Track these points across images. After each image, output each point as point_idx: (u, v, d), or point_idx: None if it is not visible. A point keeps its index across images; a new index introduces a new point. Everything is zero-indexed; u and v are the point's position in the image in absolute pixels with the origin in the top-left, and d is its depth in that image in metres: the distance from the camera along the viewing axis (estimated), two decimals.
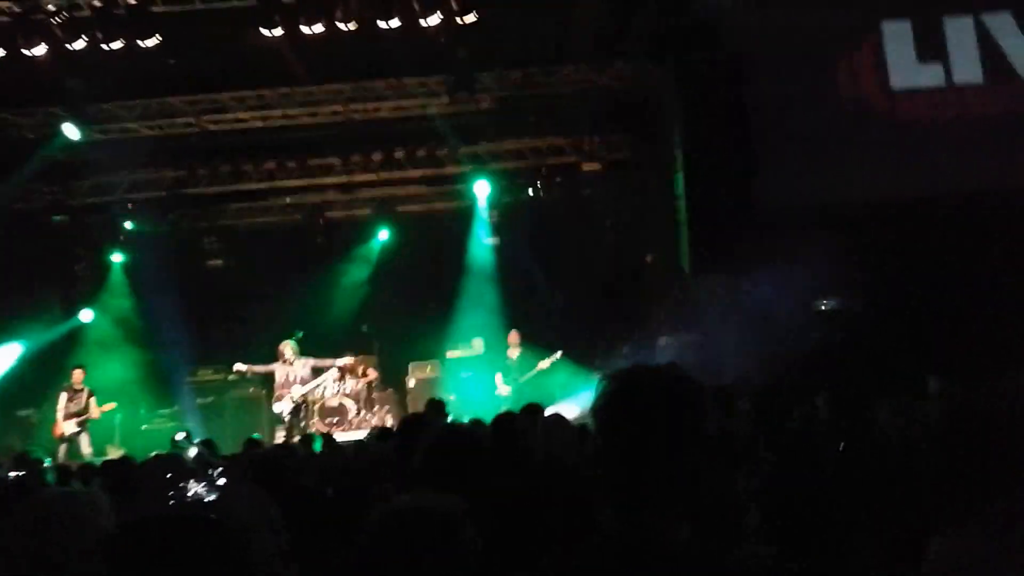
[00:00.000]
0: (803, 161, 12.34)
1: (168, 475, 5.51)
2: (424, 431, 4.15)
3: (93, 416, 13.28)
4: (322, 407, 14.24)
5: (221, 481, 4.25)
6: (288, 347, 14.28)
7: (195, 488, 4.32)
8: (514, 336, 14.29)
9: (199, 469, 5.86)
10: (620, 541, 1.88)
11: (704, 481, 1.91)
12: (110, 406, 13.49)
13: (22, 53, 10.80)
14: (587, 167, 15.63)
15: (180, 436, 13.20)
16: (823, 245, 11.10)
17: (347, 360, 14.64)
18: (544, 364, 13.92)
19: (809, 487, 4.58)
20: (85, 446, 13.16)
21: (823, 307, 11.76)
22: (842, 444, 4.91)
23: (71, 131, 12.84)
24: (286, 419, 14.15)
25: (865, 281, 11.44)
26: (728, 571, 1.93)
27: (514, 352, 14.21)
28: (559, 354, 13.98)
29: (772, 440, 5.31)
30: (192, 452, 9.71)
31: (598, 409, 1.98)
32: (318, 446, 8.89)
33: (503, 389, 14.06)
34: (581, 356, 14.35)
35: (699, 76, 12.20)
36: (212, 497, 3.90)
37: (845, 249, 11.08)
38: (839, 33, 12.69)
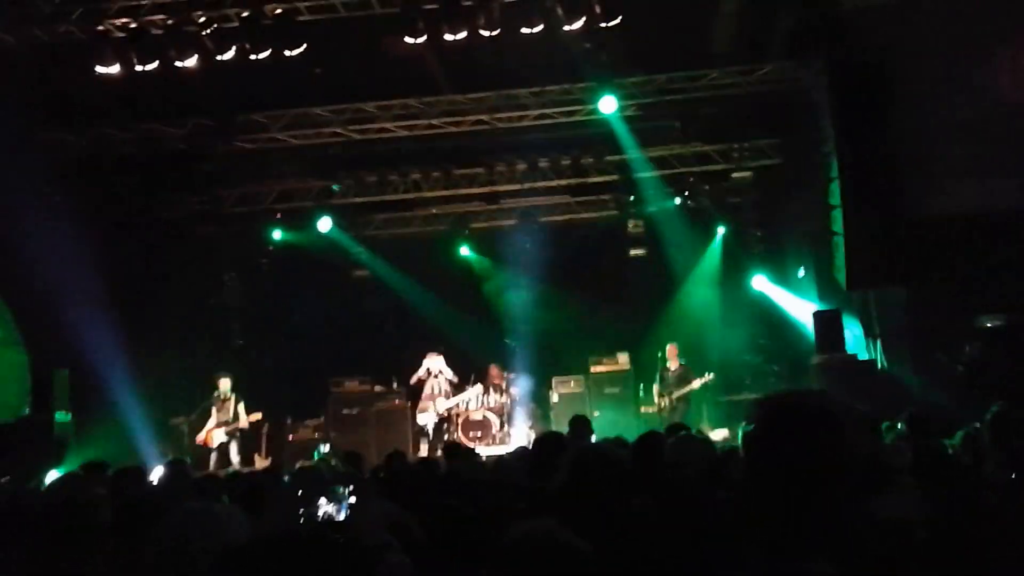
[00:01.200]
0: (963, 166, 11.54)
1: (300, 491, 5.53)
2: (562, 451, 3.96)
3: (242, 426, 13.65)
4: (466, 421, 14.34)
5: (352, 499, 4.19)
6: (433, 359, 14.42)
7: (325, 507, 4.27)
8: (672, 349, 13.92)
9: (335, 485, 5.87)
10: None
11: (850, 516, 1.91)
12: (256, 416, 13.80)
13: (175, 66, 11.19)
14: (737, 175, 15.10)
15: (324, 448, 13.49)
16: (986, 257, 10.40)
17: (492, 374, 14.67)
18: (696, 383, 13.50)
19: (972, 517, 4.20)
20: (234, 455, 13.54)
21: (987, 324, 10.90)
22: (1013, 472, 4.49)
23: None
24: (430, 432, 14.28)
25: None
26: None
27: (673, 365, 13.82)
28: (711, 376, 13.53)
29: (928, 466, 4.93)
30: (334, 463, 9.83)
31: (747, 436, 2.00)
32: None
33: (659, 402, 13.70)
34: (730, 377, 13.90)
35: (850, 75, 11.66)
36: (341, 516, 3.85)
37: (1009, 261, 10.32)
38: (1002, 27, 11.73)
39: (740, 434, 2.06)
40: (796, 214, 14.37)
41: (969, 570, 3.94)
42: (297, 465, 9.21)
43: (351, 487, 5.93)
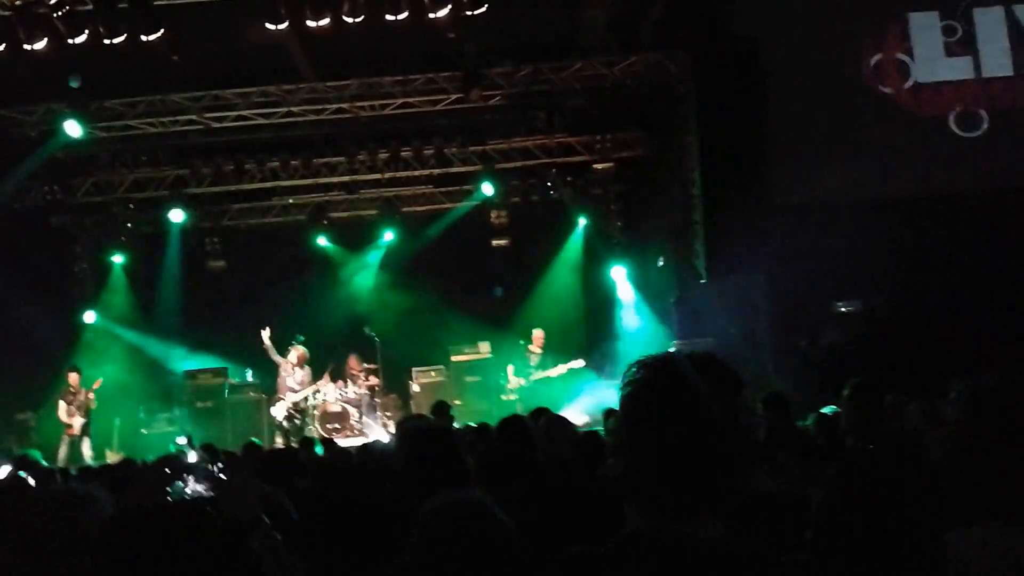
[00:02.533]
0: (824, 155, 12.31)
1: (168, 471, 5.52)
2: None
3: (88, 401, 13.43)
4: (323, 413, 14.26)
5: (222, 476, 4.27)
6: (298, 352, 14.31)
7: (194, 484, 4.33)
8: (539, 335, 14.36)
9: (200, 468, 5.85)
10: (647, 540, 1.77)
11: (739, 476, 1.81)
12: (98, 382, 13.61)
13: (23, 48, 10.83)
14: (599, 166, 15.65)
15: (182, 440, 13.30)
16: (843, 244, 11.02)
17: (351, 365, 14.71)
18: (562, 369, 13.97)
19: (844, 487, 4.60)
20: (86, 450, 13.26)
21: (842, 308, 11.73)
22: (870, 446, 4.92)
23: (72, 128, 12.92)
24: (284, 424, 14.19)
25: (886, 281, 11.41)
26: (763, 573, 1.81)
27: (536, 350, 14.26)
28: (581, 362, 14.02)
29: (781, 444, 5.32)
30: (193, 456, 9.74)
31: (627, 395, 1.85)
32: (319, 450, 8.94)
33: (514, 382, 14.10)
34: (594, 364, 14.40)
35: (715, 67, 12.16)
36: (211, 493, 3.92)
37: (865, 248, 11.03)
38: (864, 22, 12.62)
39: (618, 394, 1.91)
40: (658, 205, 14.96)
41: (844, 543, 4.31)
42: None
43: (219, 465, 5.93)
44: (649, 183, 15.36)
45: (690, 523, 1.76)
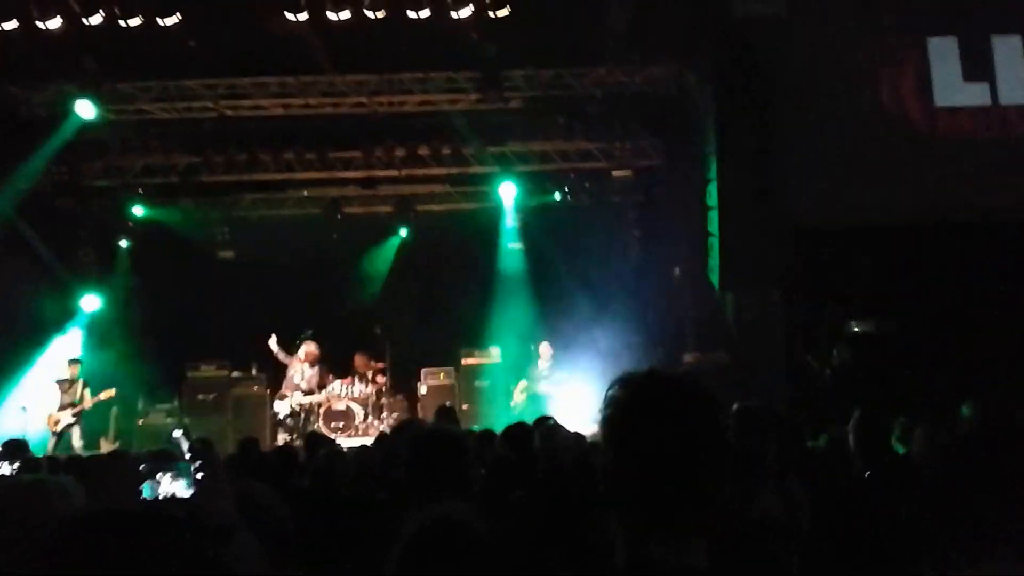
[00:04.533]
0: (841, 175, 12.30)
1: (143, 467, 5.43)
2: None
3: (86, 406, 13.27)
4: (328, 411, 14.20)
5: (199, 476, 4.17)
6: (308, 349, 14.23)
7: (169, 485, 4.23)
8: (546, 348, 14.28)
9: (181, 463, 5.78)
10: (633, 566, 1.76)
11: (723, 501, 1.80)
12: (109, 393, 13.42)
13: (36, 26, 10.85)
14: (617, 173, 15.58)
15: (177, 433, 13.24)
16: (859, 264, 10.99)
17: (358, 363, 14.66)
18: (564, 378, 13.91)
19: (837, 514, 4.52)
20: (76, 439, 13.14)
21: (856, 329, 11.64)
22: (867, 472, 4.86)
23: (85, 110, 12.92)
24: (287, 421, 14.14)
25: (901, 304, 11.35)
26: None
27: (544, 363, 14.20)
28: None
29: (799, 464, 5.25)
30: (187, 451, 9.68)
31: (607, 417, 1.84)
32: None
33: (519, 398, 14.04)
34: (603, 373, 14.28)
35: (735, 81, 12.19)
36: (187, 494, 3.83)
37: (882, 270, 11.00)
38: (883, 46, 12.66)
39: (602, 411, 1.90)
40: (674, 215, 14.88)
41: (840, 568, 4.24)
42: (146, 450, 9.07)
43: (199, 464, 5.83)
44: (666, 193, 15.30)
45: (677, 548, 1.74)
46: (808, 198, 12.27)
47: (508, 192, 15.41)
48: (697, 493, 1.76)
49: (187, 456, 8.17)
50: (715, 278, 12.87)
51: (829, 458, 5.96)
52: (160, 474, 4.88)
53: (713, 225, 12.65)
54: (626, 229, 16.35)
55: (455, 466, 3.52)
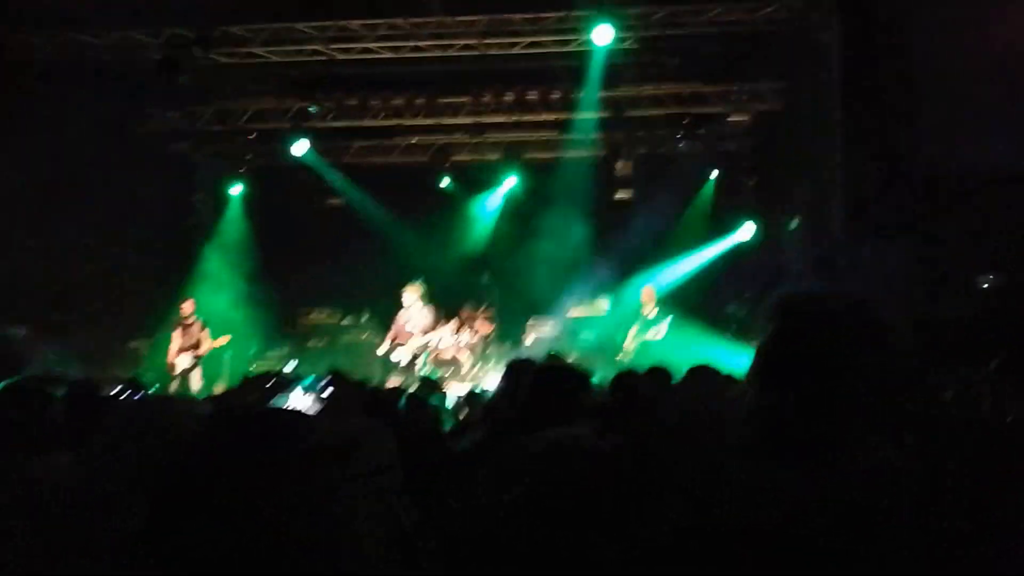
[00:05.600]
0: (976, 120, 11.54)
1: (272, 385, 5.48)
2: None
3: (204, 350, 13.62)
4: (436, 358, 14.29)
5: (325, 395, 4.14)
6: (412, 291, 14.26)
7: (296, 401, 4.22)
8: (649, 292, 13.96)
9: (303, 385, 5.79)
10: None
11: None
12: (224, 339, 13.62)
13: None
14: (734, 118, 15.02)
15: (291, 366, 13.46)
16: (992, 215, 10.44)
17: (465, 312, 14.67)
18: (662, 327, 13.58)
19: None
20: (195, 381, 13.43)
21: (987, 282, 11.02)
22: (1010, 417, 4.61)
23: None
24: (398, 367, 14.26)
25: None
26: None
27: (649, 310, 13.89)
28: (669, 318, 13.61)
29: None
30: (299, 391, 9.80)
31: (771, 336, 1.75)
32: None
33: (628, 347, 13.78)
34: (713, 322, 13.94)
35: (864, 17, 11.45)
36: (312, 411, 3.80)
37: (1014, 221, 10.41)
38: None
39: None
40: (794, 163, 14.27)
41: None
42: None
43: (326, 383, 5.78)
44: (786, 139, 14.60)
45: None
46: (939, 144, 11.62)
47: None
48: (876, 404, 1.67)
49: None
50: (837, 229, 12.35)
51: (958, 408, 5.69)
52: (287, 391, 4.89)
53: (837, 173, 12.10)
54: (742, 177, 15.81)
55: (573, 401, 3.43)
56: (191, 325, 13.47)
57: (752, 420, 1.76)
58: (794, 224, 14.33)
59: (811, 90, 13.03)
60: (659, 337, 13.53)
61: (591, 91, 14.38)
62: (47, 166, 12.58)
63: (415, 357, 14.22)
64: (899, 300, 11.12)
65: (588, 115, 14.95)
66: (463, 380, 13.94)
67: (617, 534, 2.19)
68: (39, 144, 12.28)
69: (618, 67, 13.97)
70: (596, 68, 13.76)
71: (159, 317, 14.14)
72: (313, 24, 13.49)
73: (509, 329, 15.12)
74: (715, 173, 15.63)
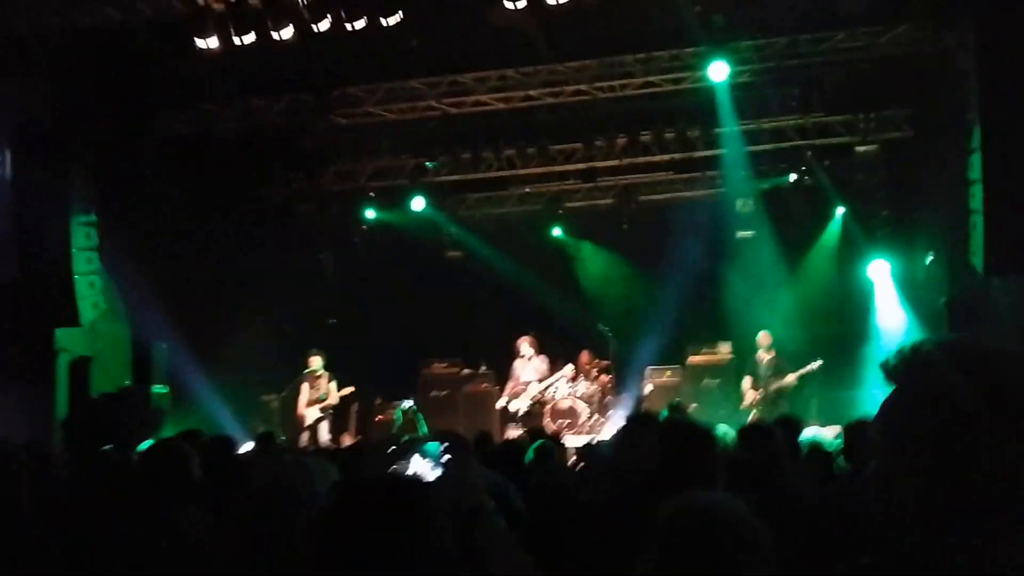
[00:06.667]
0: None
1: (391, 449, 5.51)
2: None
3: (332, 402, 13.87)
4: (553, 408, 14.24)
5: (446, 458, 4.14)
6: (526, 343, 14.38)
7: (416, 465, 4.21)
8: (765, 337, 13.51)
9: (424, 450, 5.77)
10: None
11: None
12: (348, 390, 14.09)
13: (271, 37, 11.31)
14: (862, 148, 14.49)
15: (407, 404, 13.68)
16: None
17: (583, 361, 14.54)
18: (801, 371, 13.11)
19: None
20: (324, 433, 13.76)
21: None
22: None
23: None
24: (519, 418, 14.23)
25: None
26: None
27: (764, 355, 13.44)
28: (818, 364, 13.10)
29: None
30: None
31: (891, 397, 1.59)
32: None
33: (749, 396, 13.35)
34: (839, 370, 13.36)
35: (1002, 37, 10.90)
36: (432, 476, 3.80)
37: None
38: None
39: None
40: (928, 192, 13.53)
41: None
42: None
43: (447, 447, 5.77)
44: (919, 168, 13.92)
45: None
46: None
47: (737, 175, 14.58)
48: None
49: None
50: (978, 261, 11.69)
51: None
52: (408, 456, 4.91)
53: (976, 201, 11.45)
54: (872, 211, 15.16)
55: (705, 459, 3.28)
56: (318, 378, 13.84)
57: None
58: (930, 258, 13.68)
59: (945, 114, 12.47)
60: (792, 381, 13.07)
61: (710, 128, 14.16)
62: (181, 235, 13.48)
63: (532, 407, 14.21)
64: None
65: (708, 153, 14.70)
66: (582, 430, 13.79)
67: None
68: (172, 216, 12.98)
69: (736, 101, 13.68)
70: (722, 106, 13.51)
71: (289, 372, 14.58)
72: (425, 80, 13.70)
73: (626, 377, 14.79)
74: (841, 209, 15.00)
